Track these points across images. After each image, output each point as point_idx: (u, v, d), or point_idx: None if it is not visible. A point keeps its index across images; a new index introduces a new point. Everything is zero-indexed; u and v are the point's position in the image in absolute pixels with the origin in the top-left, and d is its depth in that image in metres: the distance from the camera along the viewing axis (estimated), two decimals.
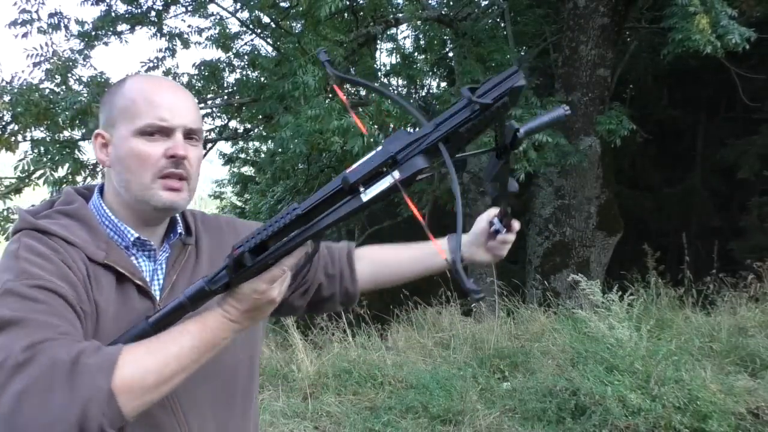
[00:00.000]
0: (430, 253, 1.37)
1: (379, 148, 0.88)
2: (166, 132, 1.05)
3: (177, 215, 1.16)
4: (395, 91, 9.00)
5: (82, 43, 6.99)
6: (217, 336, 0.96)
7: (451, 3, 9.05)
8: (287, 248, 0.93)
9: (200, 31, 7.88)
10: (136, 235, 1.08)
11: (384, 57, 16.77)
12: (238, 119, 8.49)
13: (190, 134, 1.08)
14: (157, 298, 1.08)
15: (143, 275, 1.07)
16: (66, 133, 6.38)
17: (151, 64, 7.62)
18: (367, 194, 0.88)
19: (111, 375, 0.84)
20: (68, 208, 1.07)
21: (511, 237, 1.34)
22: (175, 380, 0.92)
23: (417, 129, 0.90)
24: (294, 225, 0.90)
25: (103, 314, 1.00)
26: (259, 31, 8.18)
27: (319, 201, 0.89)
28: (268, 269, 0.94)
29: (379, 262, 1.40)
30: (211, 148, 8.99)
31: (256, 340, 1.22)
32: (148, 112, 1.04)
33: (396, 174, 0.86)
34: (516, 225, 1.33)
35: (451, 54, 9.30)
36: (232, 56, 8.16)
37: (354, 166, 0.89)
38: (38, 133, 6.27)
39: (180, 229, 1.15)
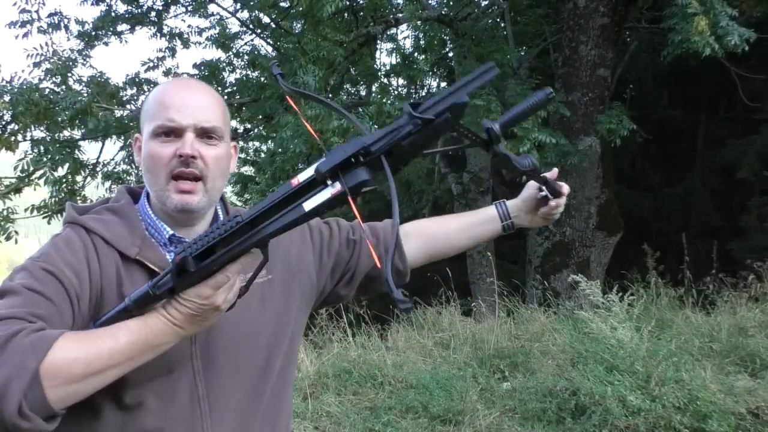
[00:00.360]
0: (478, 221, 1.38)
1: (323, 159, 0.90)
2: (177, 132, 1.06)
3: (221, 213, 1.19)
4: (395, 92, 9.00)
5: (82, 43, 7.00)
6: (158, 338, 0.95)
7: (451, 3, 9.05)
8: (232, 255, 0.93)
9: (200, 31, 7.90)
10: (171, 232, 1.11)
11: (384, 57, 16.77)
12: (238, 119, 8.49)
13: (205, 133, 1.08)
14: None
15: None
16: (66, 133, 6.39)
17: (151, 64, 7.63)
18: (310, 204, 0.90)
19: (41, 357, 0.84)
20: (114, 205, 1.14)
21: (562, 201, 1.32)
22: (107, 374, 0.91)
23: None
24: (239, 232, 0.91)
25: None
26: (259, 31, 8.19)
27: (264, 209, 0.91)
28: (213, 275, 0.93)
29: (427, 236, 1.38)
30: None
31: (291, 341, 1.23)
32: (159, 113, 1.07)
33: (337, 185, 0.88)
34: (565, 189, 1.32)
35: (451, 54, 9.30)
36: (232, 56, 8.17)
37: (299, 176, 0.92)
38: (38, 133, 6.28)
39: None
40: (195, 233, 1.11)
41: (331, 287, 1.32)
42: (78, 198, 6.84)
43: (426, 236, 1.38)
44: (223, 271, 0.93)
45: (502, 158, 1.09)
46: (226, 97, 7.83)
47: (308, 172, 0.90)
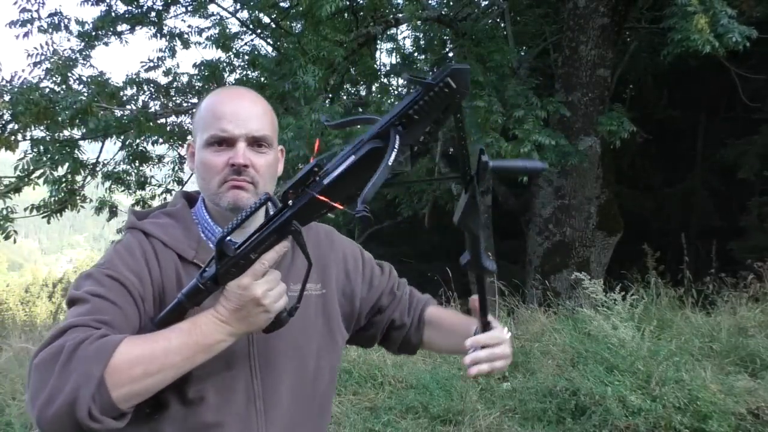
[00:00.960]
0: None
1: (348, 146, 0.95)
2: (229, 142, 1.12)
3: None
4: (395, 92, 8.99)
5: (83, 43, 6.99)
6: (208, 336, 0.99)
7: (451, 3, 9.05)
8: (266, 242, 0.98)
9: (200, 31, 7.88)
10: None
11: (384, 57, 16.74)
12: None
13: (255, 142, 1.14)
14: None
15: None
16: (66, 133, 6.39)
17: (152, 64, 7.63)
18: (329, 178, 0.94)
19: (105, 363, 0.91)
20: (171, 209, 1.20)
21: (487, 350, 1.12)
22: (165, 374, 0.97)
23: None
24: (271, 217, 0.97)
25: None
26: (259, 31, 8.19)
27: (289, 187, 0.96)
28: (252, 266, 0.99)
29: (441, 329, 1.40)
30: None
31: (338, 352, 1.29)
32: (213, 124, 1.13)
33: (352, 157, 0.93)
34: (496, 333, 1.14)
35: (451, 54, 9.30)
36: (232, 56, 8.16)
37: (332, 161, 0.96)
38: (38, 133, 6.27)
39: None
40: (245, 235, 1.16)
41: (363, 323, 1.37)
42: (77, 198, 6.84)
43: (439, 330, 1.40)
44: (260, 260, 0.99)
45: (473, 207, 1.05)
46: None
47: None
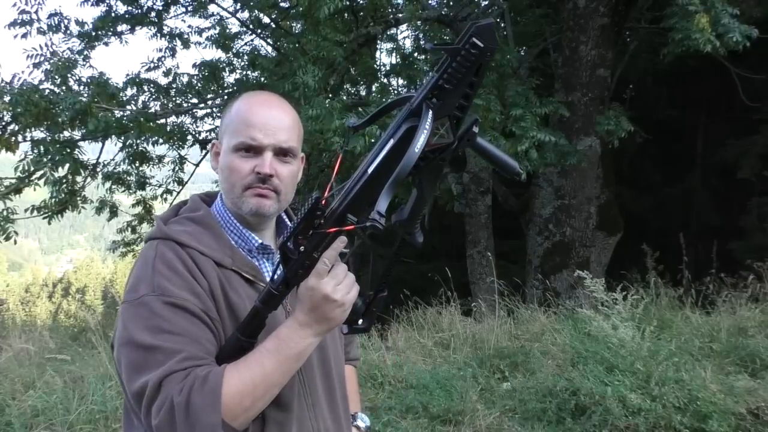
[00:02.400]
0: None
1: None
2: (256, 150, 1.15)
3: (285, 218, 1.29)
4: (395, 92, 8.99)
5: (82, 44, 6.99)
6: (294, 345, 1.06)
7: (451, 3, 9.05)
8: (327, 240, 1.02)
9: (200, 31, 7.90)
10: (260, 241, 1.21)
11: (384, 57, 16.74)
12: None
13: (282, 152, 1.17)
14: None
15: (264, 276, 1.20)
16: (66, 134, 6.38)
17: (152, 64, 7.63)
18: (372, 166, 0.97)
19: (218, 409, 0.99)
20: (195, 215, 1.20)
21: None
22: (271, 393, 1.06)
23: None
24: (321, 215, 1.01)
25: (240, 310, 1.12)
26: (259, 31, 8.19)
27: (347, 188, 0.99)
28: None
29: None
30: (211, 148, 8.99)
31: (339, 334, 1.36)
32: (243, 131, 1.15)
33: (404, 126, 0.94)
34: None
35: None
36: (232, 56, 8.17)
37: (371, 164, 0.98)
38: (38, 134, 6.27)
39: None
40: (267, 238, 1.24)
41: None
42: (78, 198, 6.84)
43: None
44: (321, 259, 1.03)
45: (435, 167, 1.03)
46: (226, 97, 7.84)
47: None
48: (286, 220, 1.30)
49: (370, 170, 0.97)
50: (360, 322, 1.14)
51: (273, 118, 1.16)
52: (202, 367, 1.03)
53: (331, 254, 1.04)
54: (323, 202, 1.01)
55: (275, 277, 1.07)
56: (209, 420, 0.98)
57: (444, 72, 0.89)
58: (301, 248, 1.04)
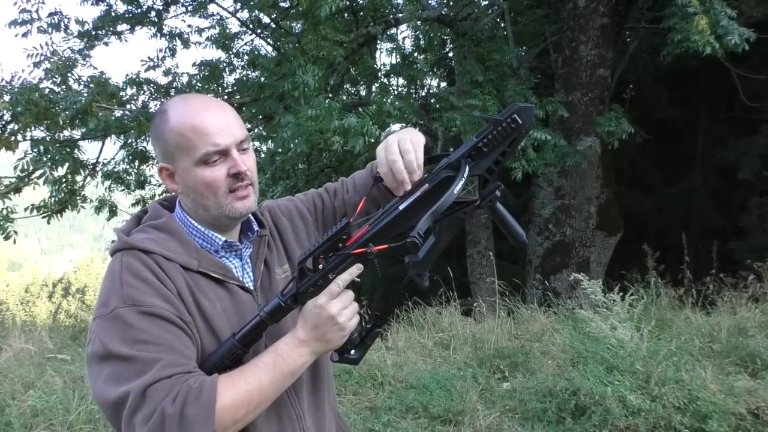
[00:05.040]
0: None
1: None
2: (223, 153, 1.14)
3: (250, 216, 1.31)
4: (395, 91, 8.99)
5: (82, 43, 6.99)
6: (293, 363, 1.08)
7: (451, 3, 9.05)
8: (344, 264, 1.07)
9: (200, 31, 7.89)
10: (224, 239, 1.21)
11: (384, 57, 16.73)
12: None
13: (241, 144, 1.17)
14: (252, 289, 1.22)
15: (234, 273, 1.21)
16: (66, 133, 6.38)
17: (152, 64, 7.63)
18: (403, 204, 1.06)
19: (212, 422, 0.99)
20: (157, 222, 1.19)
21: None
22: (261, 407, 1.07)
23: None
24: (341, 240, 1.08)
25: (212, 313, 1.13)
26: (259, 31, 8.18)
27: (375, 225, 1.06)
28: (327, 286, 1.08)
29: None
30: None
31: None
32: (200, 142, 1.13)
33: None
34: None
35: (451, 54, 9.30)
36: (232, 56, 8.16)
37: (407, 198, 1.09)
38: (38, 133, 6.26)
39: (255, 226, 1.29)
40: (234, 235, 1.25)
41: None
42: (78, 198, 6.83)
43: None
44: (335, 281, 1.08)
45: (460, 216, 1.11)
46: (225, 97, 7.83)
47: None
48: (250, 216, 1.29)
49: (401, 207, 1.06)
50: (352, 352, 1.17)
51: (220, 117, 1.15)
52: (192, 375, 1.03)
53: (345, 278, 1.08)
54: (351, 223, 1.09)
55: (285, 290, 1.10)
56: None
57: (484, 137, 1.03)
58: (320, 266, 1.08)
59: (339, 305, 1.08)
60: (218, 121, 1.14)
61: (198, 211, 1.19)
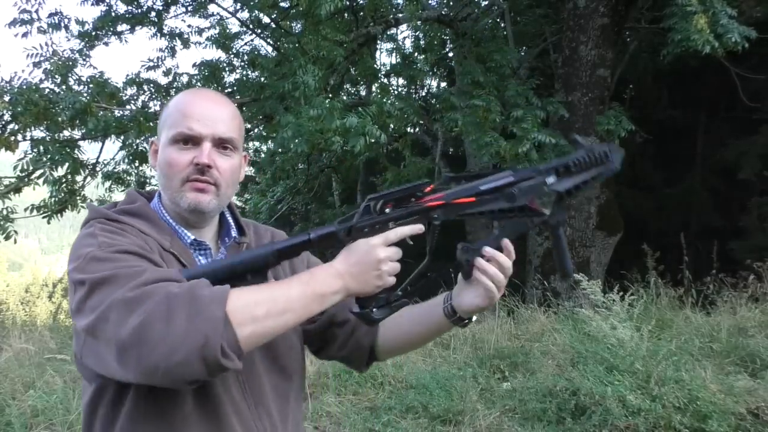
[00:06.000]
0: (427, 307, 1.29)
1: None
2: (195, 140, 1.11)
3: (230, 219, 1.24)
4: (395, 91, 8.99)
5: (82, 43, 6.99)
6: (325, 286, 1.02)
7: (451, 3, 9.05)
8: (409, 219, 1.09)
9: (200, 31, 7.89)
10: (193, 237, 1.16)
11: (384, 57, 16.73)
12: None
13: (222, 143, 1.13)
14: None
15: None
16: (66, 133, 6.38)
17: (151, 64, 7.63)
18: (486, 185, 1.11)
19: (224, 304, 0.90)
20: (131, 207, 1.14)
21: (499, 265, 1.19)
22: (284, 317, 0.97)
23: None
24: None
25: None
26: (259, 31, 8.18)
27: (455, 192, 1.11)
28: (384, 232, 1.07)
29: (400, 318, 1.25)
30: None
31: (303, 361, 1.28)
32: (180, 122, 1.11)
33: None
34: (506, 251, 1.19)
35: (451, 54, 9.30)
36: (232, 56, 8.16)
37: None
38: (38, 133, 6.26)
39: (234, 232, 1.22)
40: (207, 237, 1.19)
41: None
42: (78, 198, 6.83)
43: (393, 324, 1.27)
44: (395, 230, 1.08)
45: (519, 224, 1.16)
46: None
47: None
48: (230, 219, 1.24)
49: (482, 188, 1.09)
50: (375, 311, 1.12)
51: (211, 109, 1.12)
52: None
53: (405, 231, 1.08)
54: (429, 188, 1.11)
55: (345, 218, 1.09)
56: (212, 311, 0.89)
57: (576, 158, 1.09)
58: (387, 210, 1.08)
59: (388, 252, 1.06)
60: (206, 111, 1.11)
61: (168, 204, 1.15)
